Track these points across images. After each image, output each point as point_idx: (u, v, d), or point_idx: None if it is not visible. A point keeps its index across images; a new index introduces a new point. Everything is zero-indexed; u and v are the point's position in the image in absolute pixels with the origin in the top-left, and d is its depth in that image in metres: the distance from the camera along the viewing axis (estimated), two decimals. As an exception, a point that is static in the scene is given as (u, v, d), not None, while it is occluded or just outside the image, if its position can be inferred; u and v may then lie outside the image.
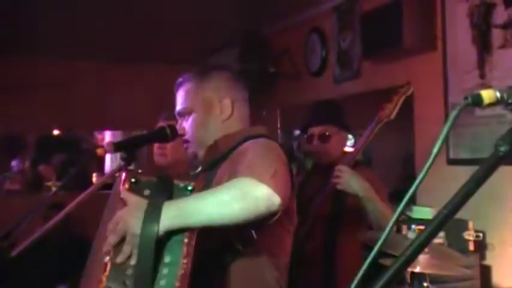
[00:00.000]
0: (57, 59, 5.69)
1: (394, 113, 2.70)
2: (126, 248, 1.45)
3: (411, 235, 2.28)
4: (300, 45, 4.94)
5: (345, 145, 2.91)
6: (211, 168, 1.92)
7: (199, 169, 1.98)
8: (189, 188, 1.55)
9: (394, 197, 3.99)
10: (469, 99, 0.96)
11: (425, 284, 2.27)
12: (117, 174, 1.64)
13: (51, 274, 4.17)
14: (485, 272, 3.06)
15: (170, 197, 1.51)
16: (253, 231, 1.71)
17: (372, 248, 0.95)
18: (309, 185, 3.02)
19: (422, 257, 2.13)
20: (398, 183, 4.25)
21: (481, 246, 3.07)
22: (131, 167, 1.76)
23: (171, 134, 1.92)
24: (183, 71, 2.08)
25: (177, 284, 1.45)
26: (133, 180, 1.53)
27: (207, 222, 1.48)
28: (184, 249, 1.47)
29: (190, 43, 5.39)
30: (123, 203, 1.50)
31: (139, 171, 1.63)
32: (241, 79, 2.05)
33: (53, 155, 7.34)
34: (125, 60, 5.89)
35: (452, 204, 0.92)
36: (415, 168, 3.70)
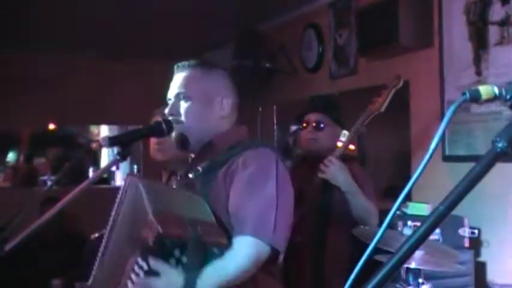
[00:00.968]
0: (53, 53, 5.67)
1: (384, 107, 2.74)
2: None
3: (407, 231, 2.28)
4: (296, 41, 4.92)
5: (337, 139, 2.92)
6: (209, 171, 1.88)
7: (199, 169, 1.93)
8: (224, 251, 1.65)
9: (390, 194, 3.99)
10: (467, 95, 0.96)
11: (420, 280, 2.27)
12: (120, 175, 1.64)
13: (46, 269, 4.16)
14: (480, 269, 3.07)
15: (202, 261, 1.61)
16: None
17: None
18: (296, 175, 3.01)
19: (417, 253, 2.13)
20: (394, 180, 4.25)
21: (476, 243, 3.08)
22: (126, 161, 1.75)
23: (167, 129, 1.90)
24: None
25: None
26: (160, 241, 1.55)
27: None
28: None
29: (186, 39, 5.37)
30: (149, 225, 1.56)
31: (138, 173, 1.63)
32: (235, 83, 2.05)
33: (48, 150, 7.33)
34: (121, 55, 5.87)
35: (449, 200, 0.91)
36: (411, 165, 3.70)
